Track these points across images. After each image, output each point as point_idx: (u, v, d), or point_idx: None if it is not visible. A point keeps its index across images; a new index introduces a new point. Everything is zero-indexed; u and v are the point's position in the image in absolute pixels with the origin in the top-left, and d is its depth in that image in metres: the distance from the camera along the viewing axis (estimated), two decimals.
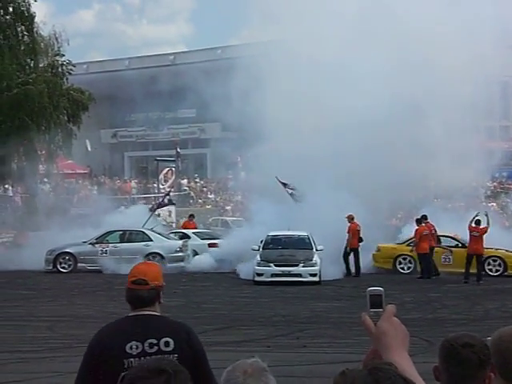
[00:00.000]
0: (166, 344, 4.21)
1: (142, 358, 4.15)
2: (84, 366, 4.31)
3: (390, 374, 1.87)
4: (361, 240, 25.67)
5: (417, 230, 24.92)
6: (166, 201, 29.82)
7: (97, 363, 4.21)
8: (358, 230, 25.63)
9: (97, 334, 4.37)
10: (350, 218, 25.68)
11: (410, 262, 26.17)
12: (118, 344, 4.21)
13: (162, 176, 42.24)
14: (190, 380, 2.30)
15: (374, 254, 26.60)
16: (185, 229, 29.98)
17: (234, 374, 2.52)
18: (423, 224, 25.00)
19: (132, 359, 4.20)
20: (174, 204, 30.18)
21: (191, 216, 31.80)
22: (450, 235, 25.99)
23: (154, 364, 2.28)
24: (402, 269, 26.20)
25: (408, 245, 26.04)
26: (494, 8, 31.03)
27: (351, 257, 25.57)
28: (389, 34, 28.93)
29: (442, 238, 25.69)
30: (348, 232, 25.61)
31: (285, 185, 28.40)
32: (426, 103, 29.15)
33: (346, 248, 25.45)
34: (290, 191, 28.33)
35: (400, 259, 26.30)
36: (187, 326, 4.41)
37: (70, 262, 26.98)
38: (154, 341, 4.23)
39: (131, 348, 4.21)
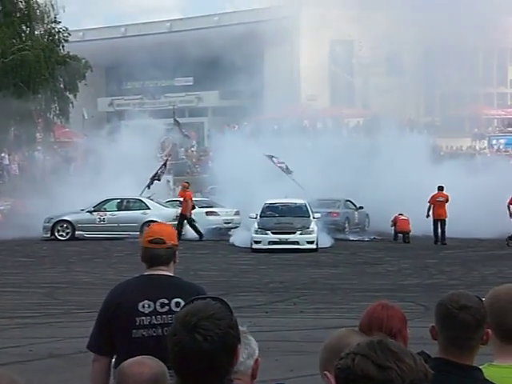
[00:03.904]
0: (177, 304, 4.28)
1: (153, 317, 4.26)
2: (99, 322, 4.42)
3: (397, 343, 1.87)
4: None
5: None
6: (160, 174, 29.67)
7: (110, 319, 4.32)
8: None
9: (111, 291, 4.48)
10: None
11: None
12: (131, 302, 4.30)
13: (159, 144, 42.14)
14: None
15: None
16: (180, 197, 29.98)
17: None
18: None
19: (144, 317, 4.29)
20: (158, 180, 29.82)
21: (187, 184, 31.74)
22: None
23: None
24: None
25: None
26: None
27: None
28: None
29: None
30: None
31: (271, 157, 28.44)
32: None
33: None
34: (279, 164, 28.38)
35: None
36: (199, 288, 4.47)
37: (68, 230, 27.04)
38: (166, 301, 4.31)
39: (143, 307, 4.29)
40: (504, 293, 2.99)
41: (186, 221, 26.36)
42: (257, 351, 2.84)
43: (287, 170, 28.38)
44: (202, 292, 4.38)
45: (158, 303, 4.30)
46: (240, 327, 2.79)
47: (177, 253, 4.43)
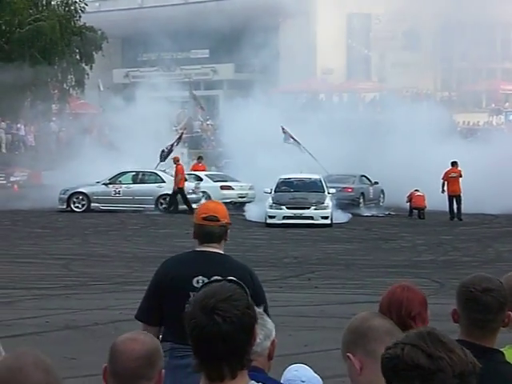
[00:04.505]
0: None
1: None
2: (149, 293, 4.49)
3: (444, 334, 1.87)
4: None
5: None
6: (171, 148, 29.61)
7: (164, 293, 4.38)
8: None
9: (163, 265, 4.54)
10: None
11: None
12: (186, 276, 4.37)
13: (175, 117, 42.12)
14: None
15: None
16: (194, 171, 29.98)
17: None
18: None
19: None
20: (170, 152, 29.69)
21: (200, 158, 31.75)
22: None
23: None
24: None
25: None
26: None
27: None
28: None
29: None
30: None
31: (289, 136, 28.35)
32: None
33: None
34: (292, 141, 28.30)
35: None
36: (249, 267, 4.57)
37: (84, 202, 27.16)
38: (220, 278, 4.33)
39: (197, 282, 4.35)
40: None
41: (180, 194, 26.31)
42: (273, 332, 2.86)
43: (300, 146, 28.31)
44: (252, 273, 4.49)
45: (212, 279, 4.34)
46: (256, 308, 2.81)
47: (228, 231, 4.49)
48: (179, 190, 26.29)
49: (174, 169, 26.72)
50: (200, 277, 4.36)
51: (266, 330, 2.79)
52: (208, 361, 2.23)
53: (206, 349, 2.22)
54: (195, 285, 4.33)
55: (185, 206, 26.11)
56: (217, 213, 4.46)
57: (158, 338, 4.45)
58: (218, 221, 4.42)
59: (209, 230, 4.42)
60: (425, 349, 1.80)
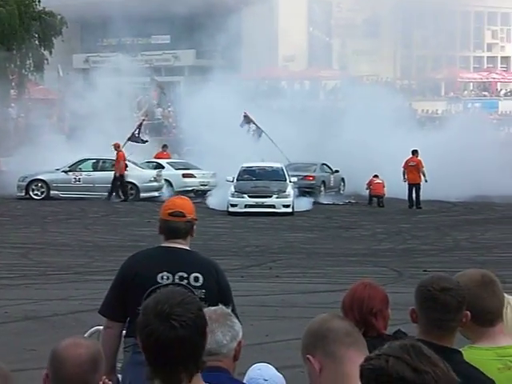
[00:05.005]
0: (196, 279, 4.34)
1: None
2: (114, 288, 4.47)
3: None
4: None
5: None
6: (139, 135, 29.46)
7: (127, 287, 4.37)
8: None
9: (128, 260, 4.52)
10: None
11: None
12: (150, 272, 4.35)
13: (135, 104, 41.80)
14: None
15: None
16: (158, 159, 29.83)
17: None
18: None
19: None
20: (146, 141, 29.75)
21: (164, 146, 31.58)
22: None
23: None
24: None
25: None
26: None
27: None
28: None
29: None
30: None
31: (249, 120, 28.36)
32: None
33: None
34: (254, 127, 28.32)
35: None
36: (215, 263, 4.55)
37: (43, 189, 26.85)
38: (185, 274, 4.37)
39: (162, 278, 4.35)
40: (469, 279, 3.02)
41: (119, 181, 26.27)
42: (240, 333, 2.88)
43: (257, 135, 28.32)
44: (217, 267, 4.48)
45: (176, 276, 4.36)
46: (224, 308, 2.83)
47: (195, 227, 4.47)
48: (120, 177, 26.21)
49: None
50: (165, 273, 4.35)
51: (234, 331, 2.81)
52: (164, 367, 2.21)
53: (162, 355, 2.20)
54: (159, 281, 4.33)
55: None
56: (183, 209, 4.44)
57: (120, 333, 4.46)
58: (184, 216, 4.41)
59: (175, 226, 4.40)
60: (410, 362, 1.80)
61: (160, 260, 4.40)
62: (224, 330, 2.77)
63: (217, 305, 2.91)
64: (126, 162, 26.88)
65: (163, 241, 4.46)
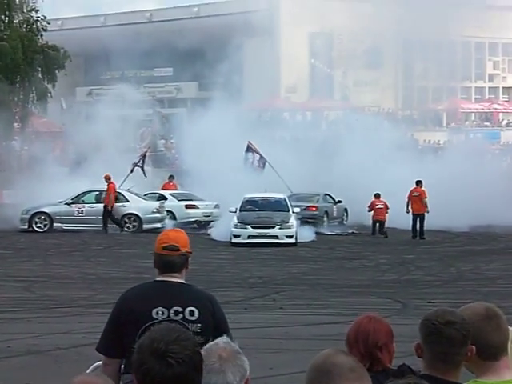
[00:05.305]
0: (191, 313, 4.31)
1: None
2: (110, 325, 4.44)
3: None
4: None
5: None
6: (143, 166, 29.57)
7: (123, 324, 4.33)
8: None
9: (123, 295, 4.48)
10: None
11: None
12: (145, 307, 4.32)
13: (138, 135, 41.98)
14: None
15: None
16: (165, 190, 29.89)
17: (209, 360, 2.57)
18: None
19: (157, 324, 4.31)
20: (145, 176, 29.86)
21: (171, 177, 31.58)
22: None
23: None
24: None
25: None
26: None
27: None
28: None
29: None
30: None
31: (252, 150, 28.45)
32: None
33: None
34: (258, 157, 28.39)
35: None
36: (210, 295, 4.52)
37: (46, 222, 26.88)
38: (180, 309, 4.33)
39: (157, 313, 4.31)
40: (472, 313, 3.00)
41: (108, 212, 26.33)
42: (248, 371, 2.86)
43: (262, 165, 28.39)
44: (213, 300, 4.45)
45: (172, 311, 4.32)
46: (233, 344, 2.79)
47: (189, 260, 4.44)
48: (109, 209, 26.25)
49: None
50: (160, 308, 4.32)
51: (243, 370, 2.79)
52: None
53: None
54: (154, 316, 4.29)
55: (150, 226, 26.03)
56: (177, 242, 4.40)
57: (119, 369, 4.41)
58: (179, 250, 4.37)
59: (169, 260, 4.36)
60: None
61: (155, 295, 4.36)
62: (234, 370, 2.75)
63: (213, 338, 2.88)
64: (125, 194, 26.97)
65: (158, 275, 4.44)
